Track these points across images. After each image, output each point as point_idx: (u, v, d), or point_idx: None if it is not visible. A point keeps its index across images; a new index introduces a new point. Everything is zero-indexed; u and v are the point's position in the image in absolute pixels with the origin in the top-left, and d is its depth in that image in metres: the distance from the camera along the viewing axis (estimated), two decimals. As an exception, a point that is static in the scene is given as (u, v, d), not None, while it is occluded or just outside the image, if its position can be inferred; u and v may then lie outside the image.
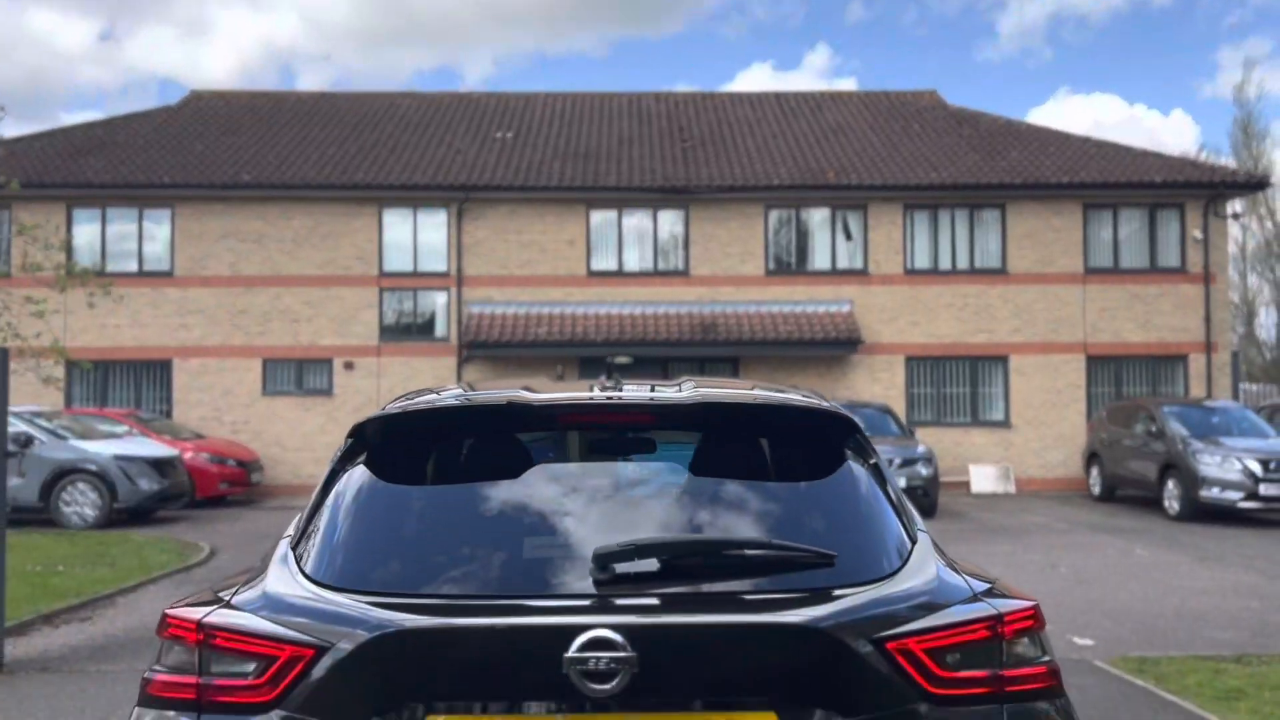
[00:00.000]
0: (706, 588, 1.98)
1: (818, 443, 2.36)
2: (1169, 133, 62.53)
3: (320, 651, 1.86)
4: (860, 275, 20.76)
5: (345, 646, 1.85)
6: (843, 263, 20.92)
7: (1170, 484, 15.16)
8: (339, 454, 2.36)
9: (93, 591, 9.11)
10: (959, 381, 20.87)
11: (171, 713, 1.94)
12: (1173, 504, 15.07)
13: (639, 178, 20.84)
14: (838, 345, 19.86)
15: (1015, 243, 20.80)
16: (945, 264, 20.91)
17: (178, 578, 10.09)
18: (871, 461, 2.37)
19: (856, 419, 2.41)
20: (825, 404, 2.46)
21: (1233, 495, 14.24)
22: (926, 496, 15.07)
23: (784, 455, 2.36)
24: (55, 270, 12.91)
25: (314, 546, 2.13)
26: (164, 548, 11.90)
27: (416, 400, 2.49)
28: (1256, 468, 14.18)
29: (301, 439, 20.24)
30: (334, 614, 1.91)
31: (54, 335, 13.87)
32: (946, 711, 1.90)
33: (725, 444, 2.40)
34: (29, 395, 17.70)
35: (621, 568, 1.96)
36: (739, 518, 2.18)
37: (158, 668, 2.01)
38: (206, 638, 1.95)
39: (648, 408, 2.39)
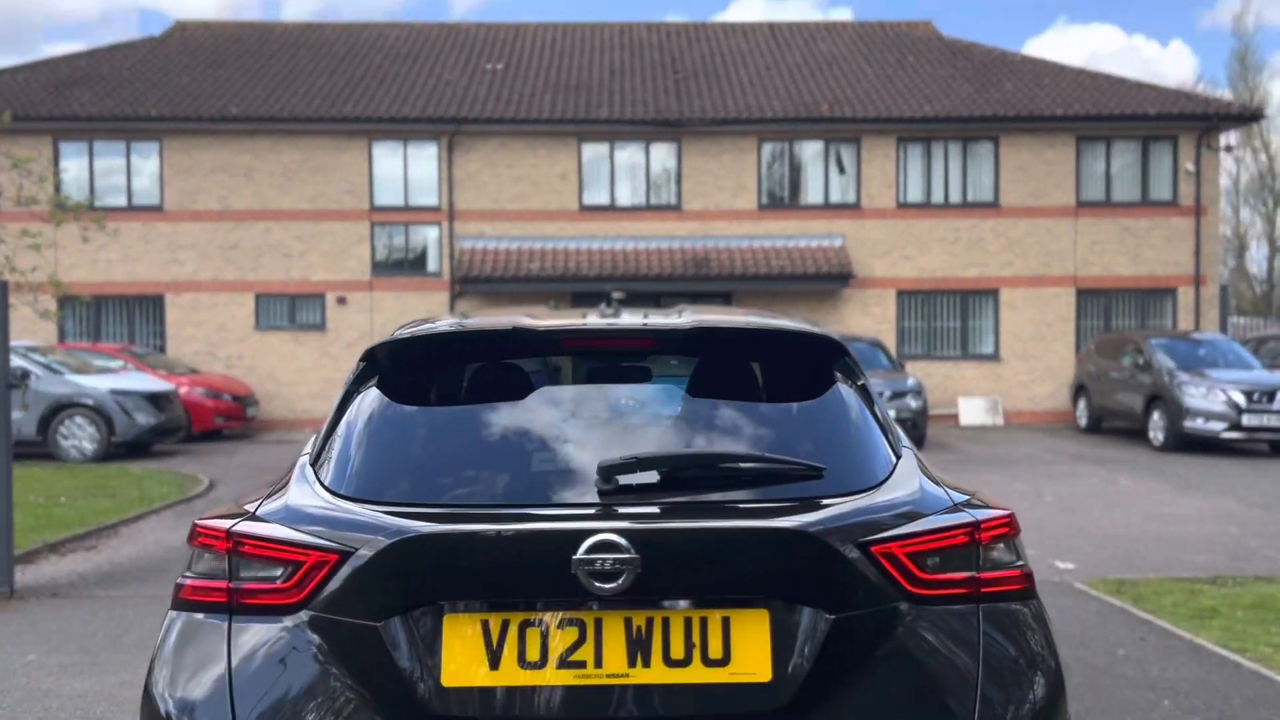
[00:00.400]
0: (704, 497, 2.12)
1: (808, 365, 2.48)
2: (1167, 64, 62.02)
3: (343, 556, 1.99)
4: (853, 209, 20.77)
5: (366, 552, 1.98)
6: (835, 197, 20.92)
7: (1155, 415, 15.41)
8: (352, 377, 2.47)
9: (96, 522, 9.28)
10: (949, 315, 21.02)
11: (204, 615, 2.07)
12: (1157, 435, 15.34)
13: (631, 110, 20.70)
14: (830, 280, 19.95)
15: (1008, 176, 20.80)
16: (938, 197, 20.93)
17: (178, 509, 10.26)
18: (859, 383, 2.49)
19: (845, 343, 2.53)
20: (816, 329, 2.57)
21: (1216, 426, 14.50)
22: (915, 429, 15.29)
23: (776, 377, 2.48)
24: (49, 203, 12.87)
25: (331, 462, 2.25)
26: (163, 480, 12.07)
27: (423, 326, 2.60)
28: (1240, 399, 14.41)
29: (296, 374, 20.36)
30: (354, 522, 2.04)
31: (51, 269, 13.88)
32: (925, 610, 2.04)
33: (721, 366, 2.51)
34: (21, 331, 17.74)
35: (624, 479, 2.09)
36: (734, 435, 2.31)
37: (189, 574, 2.13)
38: (235, 546, 2.07)
39: (647, 332, 2.49)
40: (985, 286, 20.84)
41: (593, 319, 2.62)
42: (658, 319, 2.58)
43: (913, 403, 15.60)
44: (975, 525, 2.12)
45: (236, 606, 2.05)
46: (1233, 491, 11.32)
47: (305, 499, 2.16)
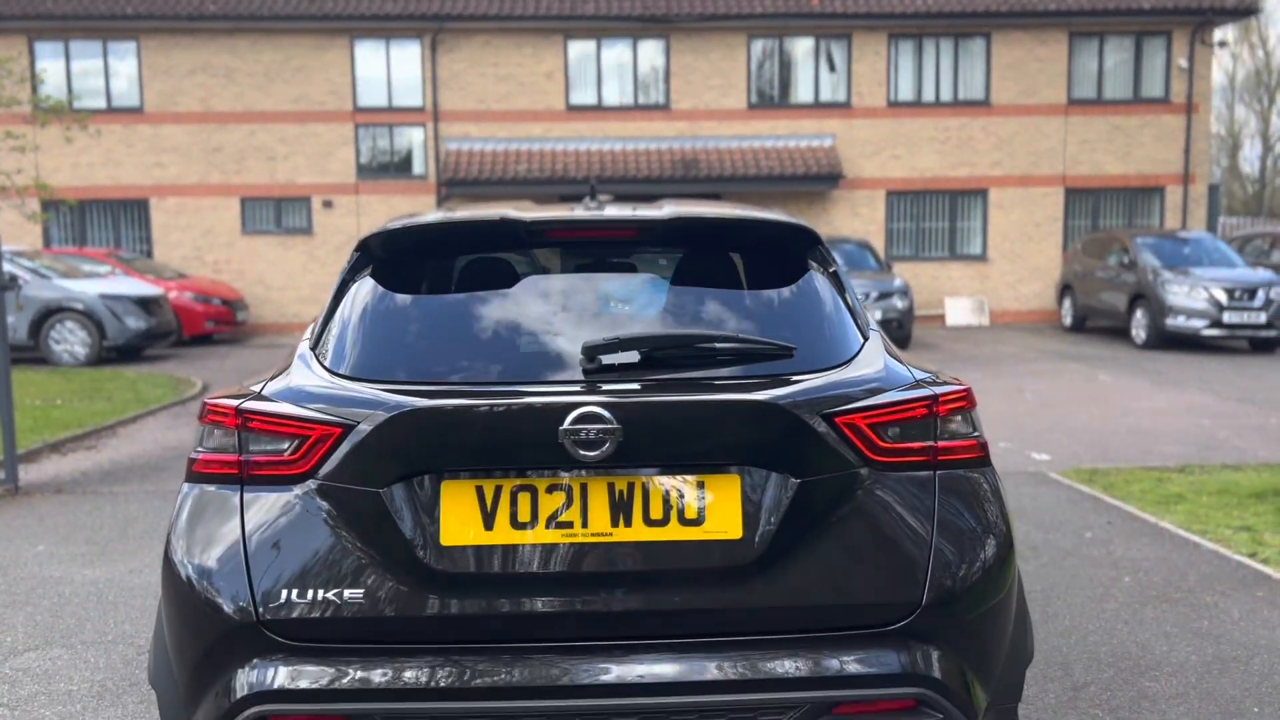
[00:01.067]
0: (681, 375, 2.26)
1: (783, 253, 2.60)
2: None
3: (346, 430, 2.14)
4: (843, 108, 20.59)
5: (366, 425, 2.13)
6: (826, 95, 20.71)
7: (1139, 313, 15.61)
8: (348, 266, 2.59)
9: (94, 423, 9.45)
10: (938, 216, 21.04)
11: (219, 487, 2.23)
12: (1139, 333, 15.56)
13: (618, 6, 20.31)
14: (819, 180, 19.90)
15: (999, 73, 20.60)
16: (929, 96, 20.75)
17: (174, 410, 10.44)
18: (831, 270, 2.62)
19: (819, 233, 2.65)
20: (790, 218, 2.69)
21: (1197, 323, 14.71)
22: (901, 329, 15.48)
23: (752, 265, 2.61)
24: (31, 104, 12.72)
25: (331, 345, 2.38)
26: (157, 383, 12.22)
27: (413, 218, 2.71)
28: (1222, 296, 14.60)
29: (285, 278, 20.37)
30: (354, 399, 2.19)
31: (36, 171, 13.77)
32: (885, 476, 2.22)
33: (699, 255, 2.64)
34: (5, 236, 17.67)
35: (607, 358, 2.24)
36: (711, 318, 2.45)
37: (200, 449, 2.28)
38: (244, 422, 2.22)
39: (629, 222, 2.61)
40: (974, 186, 20.83)
41: (579, 211, 2.73)
42: (640, 211, 2.69)
43: (899, 303, 15.75)
44: (934, 399, 2.27)
45: (247, 477, 2.21)
46: (1209, 386, 11.58)
47: (308, 379, 2.30)
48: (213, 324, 17.21)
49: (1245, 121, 41.98)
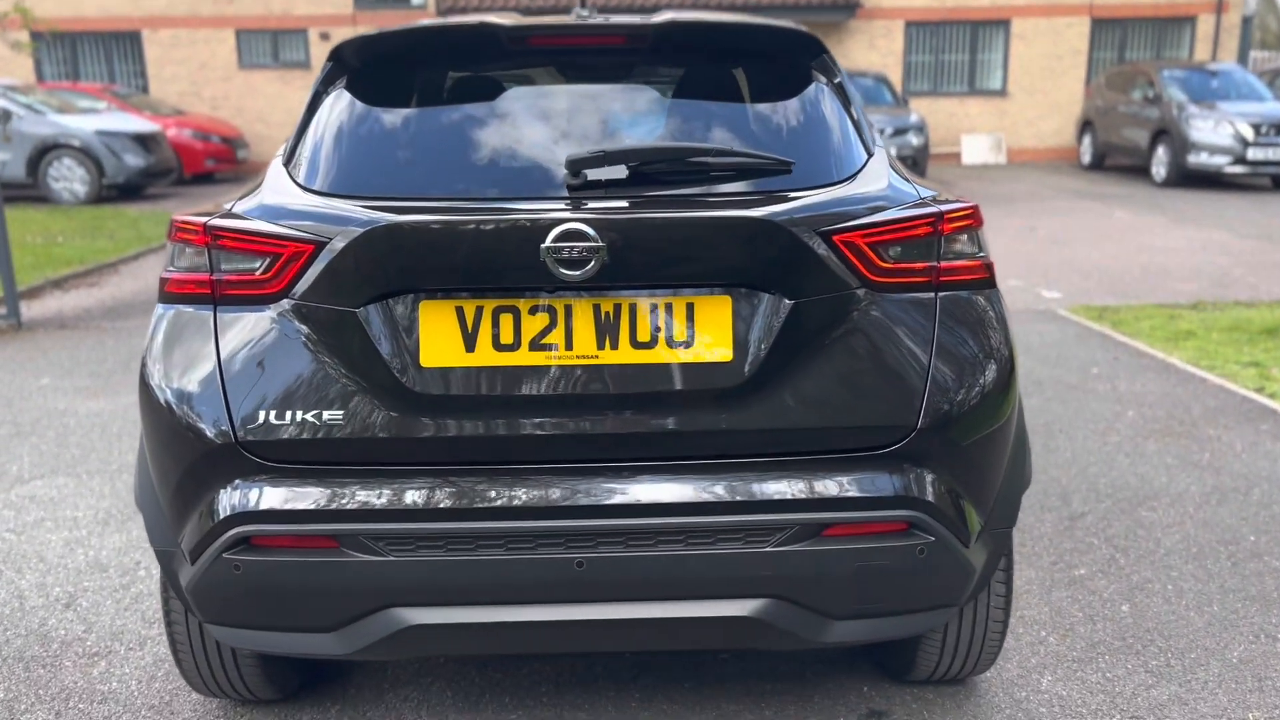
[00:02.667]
0: (671, 190, 2.14)
1: (783, 62, 2.43)
2: None
3: (319, 247, 2.04)
4: (862, -69, 19.53)
5: (340, 242, 2.03)
6: (844, -83, 19.61)
7: (1160, 150, 15.16)
8: (321, 76, 2.43)
9: (95, 260, 9.38)
10: (958, 48, 20.23)
11: (192, 307, 2.15)
12: (1160, 170, 15.16)
13: None
14: (835, 10, 19.07)
15: (1030, -108, 19.41)
16: (953, -83, 19.62)
17: (178, 247, 10.34)
18: (835, 80, 2.45)
19: (822, 41, 2.47)
20: (792, 25, 2.50)
21: (1220, 160, 14.29)
22: (915, 167, 15.10)
23: (751, 74, 2.43)
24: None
25: (304, 161, 2.26)
26: (159, 221, 12.08)
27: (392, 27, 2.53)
28: (1248, 131, 14.12)
29: (284, 114, 19.86)
30: (328, 215, 2.08)
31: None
32: (883, 297, 2.11)
33: (694, 64, 2.47)
34: (-2, 70, 17.18)
35: (593, 173, 2.11)
36: (705, 131, 2.30)
37: (171, 269, 2.19)
38: (214, 239, 2.12)
39: (619, 28, 2.43)
40: (996, 16, 19.93)
41: (564, 18, 2.55)
42: (630, 17, 2.51)
43: (914, 140, 15.33)
44: (938, 216, 2.15)
45: (220, 297, 2.12)
46: (1227, 224, 11.33)
47: (280, 195, 2.19)
48: (213, 162, 16.88)
49: (1287, -53, 39.80)
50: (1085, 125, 17.84)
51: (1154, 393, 5.34)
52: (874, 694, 2.73)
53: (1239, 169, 14.24)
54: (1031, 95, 20.24)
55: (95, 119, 14.54)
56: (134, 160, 14.16)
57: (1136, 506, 3.91)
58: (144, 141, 14.44)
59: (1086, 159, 17.78)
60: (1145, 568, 3.41)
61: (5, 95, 14.07)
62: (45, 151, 13.89)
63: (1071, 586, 3.29)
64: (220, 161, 17.03)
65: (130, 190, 14.65)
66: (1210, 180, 14.90)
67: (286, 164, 2.31)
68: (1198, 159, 14.45)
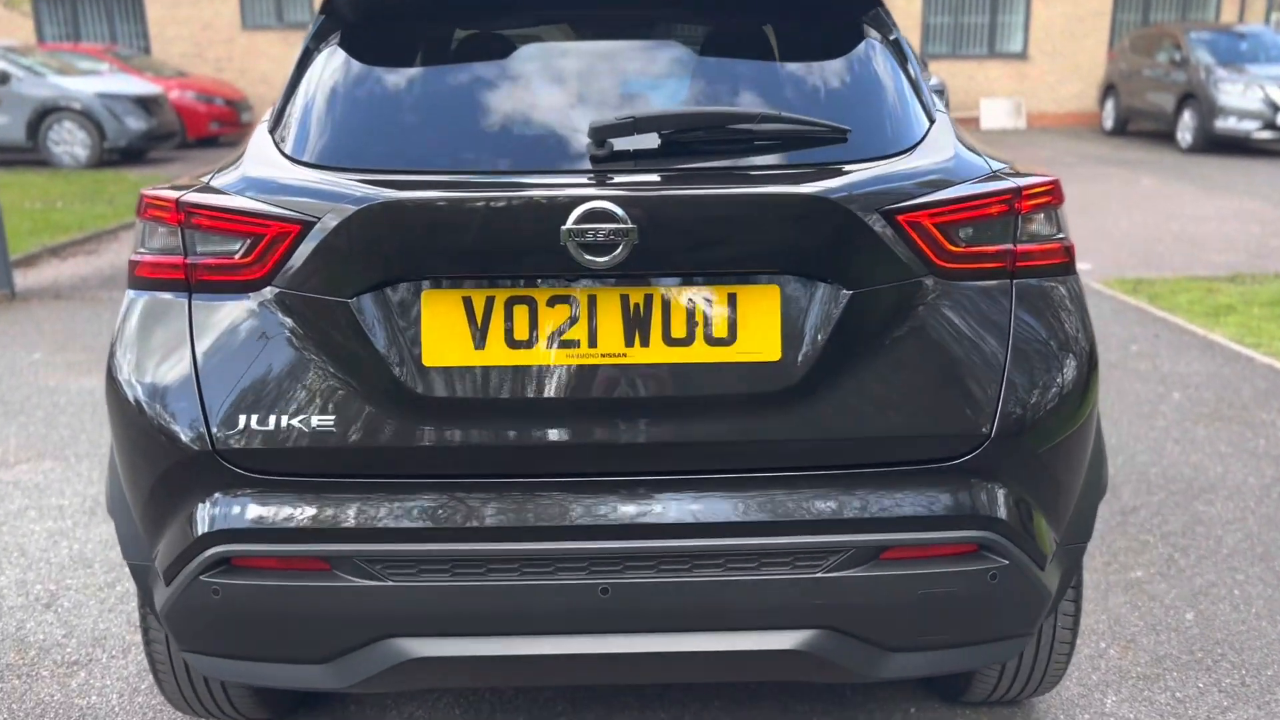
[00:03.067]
0: (710, 163, 1.87)
1: (832, 17, 2.16)
2: None
3: (306, 227, 1.78)
4: (880, -113, 18.96)
5: (331, 221, 1.76)
6: (862, -127, 19.03)
7: (1186, 115, 14.72)
8: (312, 31, 2.17)
9: (95, 227, 9.13)
10: (978, 9, 19.71)
11: (165, 294, 1.89)
12: (1185, 136, 14.74)
13: None
14: (852, -31, 18.52)
15: None
16: (975, -127, 19.05)
17: (179, 214, 10.08)
18: (891, 37, 2.17)
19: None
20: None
21: (1249, 125, 13.87)
22: (934, 130, 14.71)
23: (796, 29, 2.16)
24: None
25: (292, 128, 1.99)
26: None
27: None
28: (1278, 96, 13.69)
29: (288, 77, 19.48)
30: (317, 190, 1.81)
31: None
32: (953, 286, 1.84)
33: (733, 19, 2.20)
34: (-2, 30, 16.84)
35: (620, 142, 1.84)
36: (747, 95, 2.03)
37: (142, 250, 1.94)
38: (187, 217, 1.86)
39: (648, -22, 2.15)
40: (1019, -24, 19.40)
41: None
42: (661, -33, 2.22)
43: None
44: (1016, 192, 1.88)
45: (195, 284, 1.87)
46: (1259, 192, 10.97)
47: (264, 167, 1.92)
48: (217, 125, 16.54)
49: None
50: (1108, 89, 17.38)
51: (1199, 373, 5.06)
52: (920, 716, 2.49)
53: (1268, 134, 13.82)
54: (1052, 58, 19.74)
55: (96, 81, 14.23)
56: (136, 123, 13.85)
57: (1192, 500, 3.65)
58: (146, 104, 14.13)
59: (1109, 124, 17.33)
60: (1208, 570, 3.16)
61: (5, 57, 13.76)
62: (45, 114, 13.60)
63: (1129, 591, 3.04)
64: (224, 125, 16.69)
65: (132, 154, 14.35)
66: (1238, 146, 14.48)
67: (272, 131, 2.05)
68: (1226, 124, 14.03)
